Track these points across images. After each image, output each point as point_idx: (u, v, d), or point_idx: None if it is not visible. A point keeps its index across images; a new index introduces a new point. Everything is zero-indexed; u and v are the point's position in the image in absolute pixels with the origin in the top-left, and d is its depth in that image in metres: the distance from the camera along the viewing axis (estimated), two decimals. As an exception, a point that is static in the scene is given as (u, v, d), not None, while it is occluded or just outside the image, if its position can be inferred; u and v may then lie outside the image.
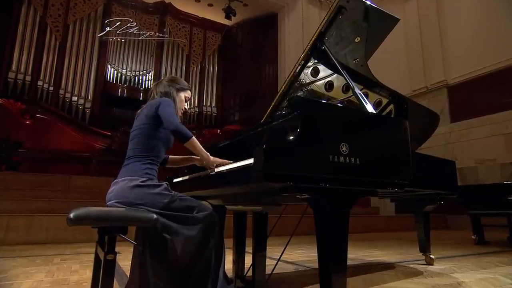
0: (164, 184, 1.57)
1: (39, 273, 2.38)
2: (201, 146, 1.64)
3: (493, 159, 6.65)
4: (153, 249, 1.46)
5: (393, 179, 1.49)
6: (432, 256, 2.88)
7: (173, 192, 1.57)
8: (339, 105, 2.16)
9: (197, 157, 1.78)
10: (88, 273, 2.37)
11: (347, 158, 1.31)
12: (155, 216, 1.39)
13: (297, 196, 1.32)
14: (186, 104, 1.90)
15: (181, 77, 11.51)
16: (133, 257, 1.58)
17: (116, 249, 1.33)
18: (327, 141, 1.29)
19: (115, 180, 1.55)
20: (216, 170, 1.59)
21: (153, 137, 1.63)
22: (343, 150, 1.31)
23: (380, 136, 1.51)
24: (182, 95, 1.85)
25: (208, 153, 1.66)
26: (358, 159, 1.34)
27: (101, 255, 1.33)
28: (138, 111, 1.76)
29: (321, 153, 1.26)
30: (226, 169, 1.48)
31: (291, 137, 1.23)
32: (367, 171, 1.38)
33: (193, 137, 1.61)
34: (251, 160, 1.25)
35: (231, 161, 1.57)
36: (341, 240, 1.37)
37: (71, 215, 1.20)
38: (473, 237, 4.50)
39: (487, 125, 6.84)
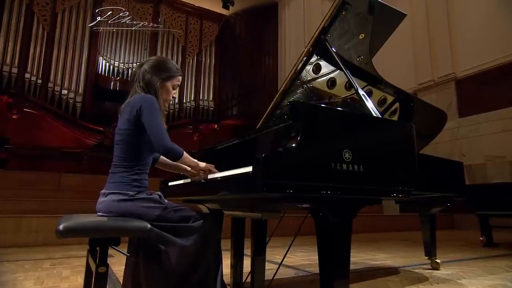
0: (156, 195, 1.54)
1: (27, 280, 2.37)
2: (190, 158, 1.60)
3: (502, 156, 6.66)
4: (147, 259, 1.46)
5: (398, 186, 1.49)
6: (438, 261, 2.89)
7: (167, 202, 1.55)
8: (341, 109, 2.14)
9: (186, 168, 1.80)
10: (80, 280, 2.37)
11: (350, 165, 1.31)
12: (149, 226, 1.38)
13: (298, 205, 1.33)
14: (175, 92, 1.75)
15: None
16: (126, 267, 1.58)
17: (109, 252, 1.34)
18: (329, 148, 1.29)
19: (103, 191, 1.53)
20: (214, 176, 1.59)
21: (137, 145, 1.56)
22: (345, 157, 1.30)
23: (385, 141, 1.50)
24: (169, 84, 1.69)
25: (196, 160, 1.64)
26: (361, 166, 1.33)
27: (93, 267, 1.33)
28: (122, 107, 1.65)
29: (323, 161, 1.26)
30: (224, 176, 1.47)
31: (292, 145, 1.22)
32: (371, 178, 1.38)
33: (184, 152, 1.54)
34: (249, 168, 1.25)
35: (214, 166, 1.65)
36: (343, 250, 1.37)
37: (61, 226, 1.20)
38: (481, 238, 4.52)
39: (496, 120, 6.83)
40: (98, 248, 1.32)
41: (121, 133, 1.58)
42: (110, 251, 1.36)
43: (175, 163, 1.71)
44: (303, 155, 1.23)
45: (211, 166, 1.67)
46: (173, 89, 1.72)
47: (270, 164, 1.16)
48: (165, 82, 1.67)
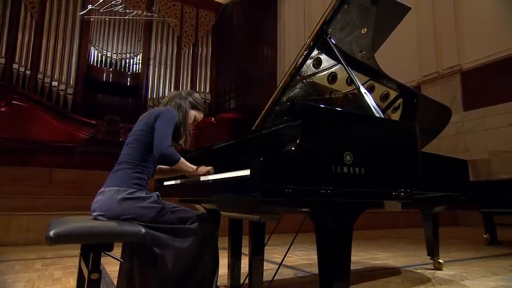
0: (154, 195, 1.55)
1: (18, 282, 2.38)
2: (187, 164, 1.66)
3: (508, 150, 6.67)
4: (142, 264, 1.47)
5: (401, 189, 1.49)
6: (440, 261, 2.91)
7: (164, 203, 1.56)
8: (342, 110, 2.14)
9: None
10: (72, 282, 2.38)
11: (351, 168, 1.30)
12: (143, 230, 1.38)
13: (297, 209, 1.33)
14: (194, 124, 1.89)
15: (171, 60, 11.40)
16: (120, 271, 1.59)
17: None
18: (329, 151, 1.29)
19: (102, 189, 1.55)
20: (211, 177, 1.59)
21: (149, 146, 1.62)
22: (346, 160, 1.30)
23: (387, 142, 1.50)
24: (193, 113, 1.85)
25: (193, 166, 1.67)
26: (363, 169, 1.33)
27: (85, 272, 1.33)
28: (143, 114, 1.78)
29: (323, 164, 1.25)
30: (221, 178, 1.47)
31: (291, 147, 1.21)
32: (373, 182, 1.38)
33: (181, 158, 1.61)
34: (247, 171, 1.24)
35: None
36: (343, 254, 1.37)
37: (51, 233, 1.20)
38: (485, 236, 4.55)
39: (503, 114, 6.82)
40: (91, 253, 1.31)
41: (135, 134, 1.67)
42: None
43: (172, 168, 1.77)
44: (302, 158, 1.22)
45: (211, 169, 1.68)
46: (194, 120, 1.88)
47: (268, 167, 1.16)
48: (192, 110, 1.85)
